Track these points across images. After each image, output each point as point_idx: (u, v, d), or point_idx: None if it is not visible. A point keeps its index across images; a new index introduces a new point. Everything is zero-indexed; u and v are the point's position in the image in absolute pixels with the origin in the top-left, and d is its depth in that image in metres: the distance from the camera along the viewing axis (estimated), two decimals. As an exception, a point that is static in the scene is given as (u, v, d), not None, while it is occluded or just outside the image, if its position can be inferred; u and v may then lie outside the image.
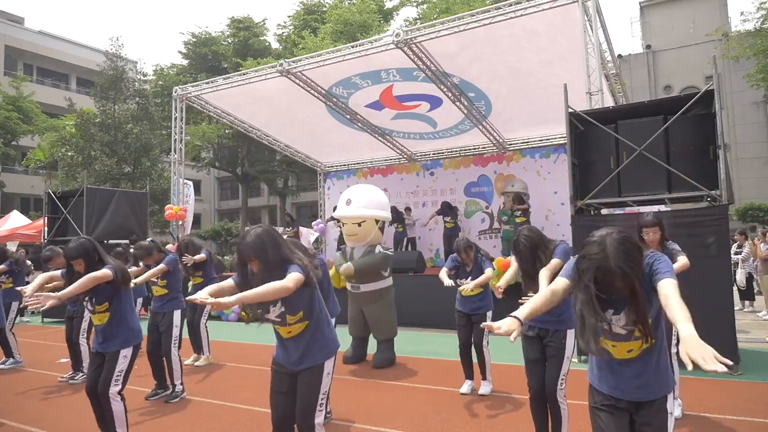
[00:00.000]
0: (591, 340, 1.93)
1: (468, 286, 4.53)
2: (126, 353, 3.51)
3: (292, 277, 2.44)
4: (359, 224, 6.20)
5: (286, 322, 2.63)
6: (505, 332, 1.91)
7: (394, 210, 10.95)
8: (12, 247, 12.12)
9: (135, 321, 3.65)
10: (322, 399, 2.62)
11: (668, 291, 1.82)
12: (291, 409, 2.64)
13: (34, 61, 33.41)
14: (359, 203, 6.29)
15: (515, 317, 1.96)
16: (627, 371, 2.03)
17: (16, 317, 6.87)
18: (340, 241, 12.74)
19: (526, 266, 3.46)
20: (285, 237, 2.87)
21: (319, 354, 2.65)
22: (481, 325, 2.15)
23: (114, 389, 3.43)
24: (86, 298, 3.51)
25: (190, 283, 6.59)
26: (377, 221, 6.33)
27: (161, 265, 5.04)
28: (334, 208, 13.63)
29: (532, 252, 3.41)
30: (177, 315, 5.14)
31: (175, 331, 5.08)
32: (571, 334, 3.36)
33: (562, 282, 2.09)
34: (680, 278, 3.88)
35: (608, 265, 1.84)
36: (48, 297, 3.07)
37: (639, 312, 1.91)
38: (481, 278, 4.65)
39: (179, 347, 5.11)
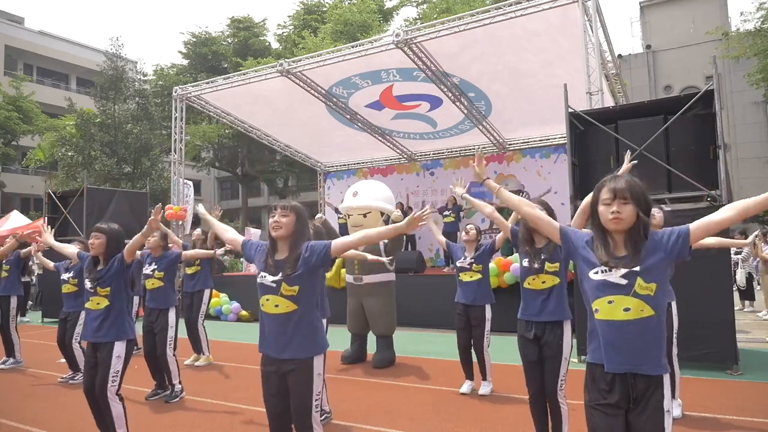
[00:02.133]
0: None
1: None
2: (119, 352, 3.45)
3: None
4: (365, 215, 6.40)
5: (279, 290, 2.57)
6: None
7: (399, 207, 10.85)
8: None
9: (130, 315, 3.64)
10: (316, 400, 2.58)
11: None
12: (285, 409, 2.60)
13: (34, 61, 33.40)
14: (366, 195, 6.55)
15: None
16: (622, 338, 1.99)
17: (17, 314, 6.75)
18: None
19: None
20: None
21: (305, 344, 2.58)
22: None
23: (111, 390, 3.39)
24: (90, 277, 3.50)
25: (186, 271, 6.58)
26: (382, 214, 6.46)
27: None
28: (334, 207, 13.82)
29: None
30: (172, 314, 5.10)
31: (170, 332, 5.04)
32: (567, 327, 3.33)
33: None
34: (683, 276, 3.83)
35: (621, 178, 2.10)
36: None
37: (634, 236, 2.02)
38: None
39: (174, 348, 5.08)
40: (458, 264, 4.90)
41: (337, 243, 2.63)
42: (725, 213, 1.97)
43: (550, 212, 3.28)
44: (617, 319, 2.00)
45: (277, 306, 2.59)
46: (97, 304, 3.48)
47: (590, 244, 2.13)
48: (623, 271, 1.98)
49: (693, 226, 1.98)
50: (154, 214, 3.50)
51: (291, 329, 2.58)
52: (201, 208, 3.61)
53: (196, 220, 13.28)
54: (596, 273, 2.05)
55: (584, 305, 2.15)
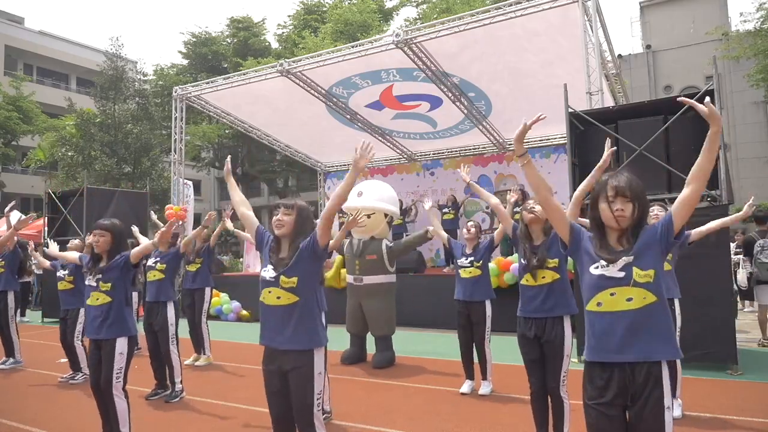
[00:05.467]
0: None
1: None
2: (122, 349, 3.47)
3: None
4: (369, 216, 6.35)
5: (278, 283, 2.60)
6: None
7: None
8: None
9: (131, 313, 3.64)
10: (318, 399, 2.59)
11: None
12: (287, 407, 2.62)
13: (34, 61, 33.38)
14: (370, 196, 6.49)
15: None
16: (621, 326, 2.00)
17: (16, 311, 6.67)
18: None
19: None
20: None
21: (307, 337, 2.60)
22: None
23: (117, 386, 3.43)
24: (92, 272, 3.51)
25: (188, 268, 6.57)
26: (386, 215, 6.49)
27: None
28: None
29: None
30: (171, 310, 5.11)
31: (171, 329, 5.07)
32: (568, 323, 3.33)
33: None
34: (684, 276, 3.81)
35: (621, 175, 2.11)
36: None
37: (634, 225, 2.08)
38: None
39: (177, 344, 5.10)
40: (458, 262, 4.92)
41: (318, 227, 2.68)
42: (689, 185, 2.13)
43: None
44: (621, 309, 2.02)
45: (279, 298, 2.62)
46: (97, 299, 3.48)
47: (591, 240, 2.20)
48: (620, 264, 2.04)
49: (672, 207, 2.12)
50: (166, 227, 3.65)
51: (293, 321, 2.60)
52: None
53: (197, 220, 13.28)
54: (596, 268, 2.10)
55: (584, 304, 2.16)
